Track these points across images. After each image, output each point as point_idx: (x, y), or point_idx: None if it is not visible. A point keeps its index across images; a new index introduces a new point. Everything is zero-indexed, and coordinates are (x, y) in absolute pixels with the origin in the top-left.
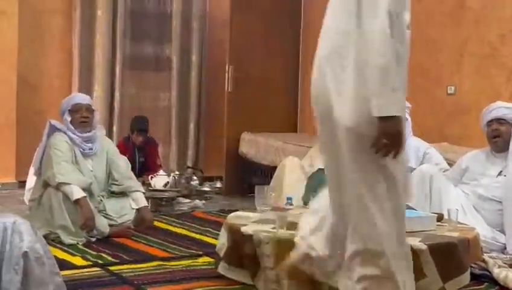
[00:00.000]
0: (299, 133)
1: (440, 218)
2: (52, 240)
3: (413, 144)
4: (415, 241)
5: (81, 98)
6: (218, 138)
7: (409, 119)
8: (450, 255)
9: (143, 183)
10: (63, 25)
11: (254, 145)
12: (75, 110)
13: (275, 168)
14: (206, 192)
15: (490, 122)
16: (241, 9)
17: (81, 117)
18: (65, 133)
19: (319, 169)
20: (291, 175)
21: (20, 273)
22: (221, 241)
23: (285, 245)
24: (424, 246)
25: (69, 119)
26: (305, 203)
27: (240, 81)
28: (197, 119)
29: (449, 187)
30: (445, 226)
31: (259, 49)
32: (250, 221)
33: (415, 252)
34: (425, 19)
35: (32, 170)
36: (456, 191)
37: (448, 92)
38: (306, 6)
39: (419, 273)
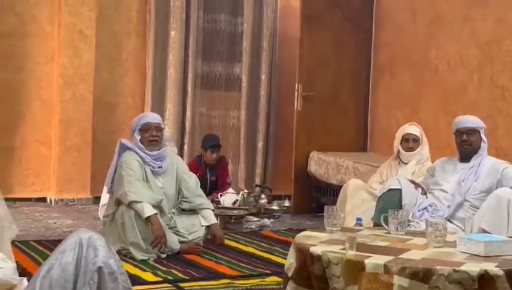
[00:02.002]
0: (368, 153)
1: None
2: (124, 255)
3: (489, 163)
4: (491, 267)
5: (151, 118)
6: (287, 157)
7: (485, 140)
8: None
9: (212, 201)
10: (137, 46)
11: (323, 164)
12: (144, 129)
13: None
14: (274, 210)
15: None
16: (311, 27)
17: (150, 136)
18: (135, 151)
19: (390, 190)
20: (354, 197)
21: (94, 288)
22: (290, 261)
23: (354, 267)
24: (500, 272)
25: (138, 138)
26: (376, 224)
27: (309, 99)
28: (266, 137)
29: None
30: None
31: (329, 67)
32: (319, 241)
33: (491, 278)
34: (502, 37)
35: (105, 188)
36: None
37: None
38: (377, 25)
39: None
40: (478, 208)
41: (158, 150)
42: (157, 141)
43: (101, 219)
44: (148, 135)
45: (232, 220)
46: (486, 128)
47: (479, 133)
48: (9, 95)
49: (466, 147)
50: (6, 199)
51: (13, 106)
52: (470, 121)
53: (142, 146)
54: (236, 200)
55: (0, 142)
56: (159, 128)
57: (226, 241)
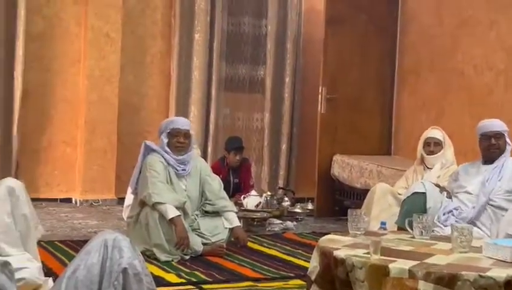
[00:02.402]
0: (392, 156)
1: None
2: (148, 256)
3: (509, 166)
4: None
5: (181, 123)
6: (310, 160)
7: (510, 143)
8: None
9: (235, 203)
10: (162, 48)
11: (346, 168)
12: (173, 134)
13: (367, 191)
14: (297, 213)
15: None
16: (335, 30)
17: (178, 142)
18: (160, 153)
19: (415, 193)
20: (381, 201)
21: (119, 289)
22: (313, 264)
23: (379, 271)
24: None
25: (165, 141)
26: (400, 228)
27: (333, 102)
28: (290, 140)
29: None
30: None
31: (353, 70)
32: (342, 245)
33: None
34: None
35: (130, 189)
36: None
37: None
38: (402, 28)
39: None
40: (503, 209)
41: (184, 154)
42: (184, 147)
43: (125, 219)
44: (176, 140)
45: (255, 223)
46: (509, 132)
47: (505, 137)
48: (36, 97)
49: (494, 151)
50: (33, 199)
51: (40, 107)
52: (497, 124)
53: (168, 149)
54: (259, 202)
55: (28, 143)
56: (187, 135)
57: (249, 244)
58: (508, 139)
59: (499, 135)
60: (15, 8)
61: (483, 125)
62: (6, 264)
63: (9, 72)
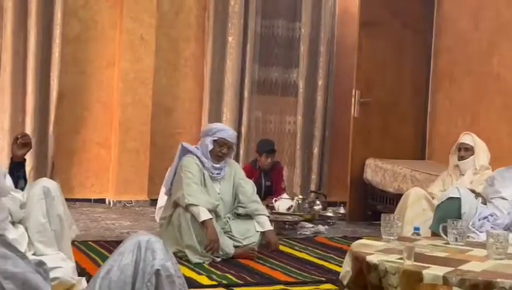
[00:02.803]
0: (426, 161)
1: None
2: (179, 258)
3: None
4: None
5: (230, 135)
6: (343, 163)
7: None
8: None
9: (267, 206)
10: (195, 51)
11: (379, 172)
12: (219, 143)
13: (400, 195)
14: (329, 217)
15: None
16: (369, 33)
17: (221, 152)
18: (196, 155)
19: (449, 198)
20: (415, 206)
21: None
22: (345, 269)
23: (412, 277)
24: None
25: (210, 147)
26: (434, 233)
27: (367, 106)
28: (322, 143)
29: None
30: None
31: (388, 74)
32: (375, 250)
33: None
34: None
35: (163, 190)
36: None
37: None
38: (438, 32)
39: None
40: None
41: (221, 163)
42: (224, 157)
43: (158, 221)
44: (220, 150)
45: (287, 226)
46: None
47: None
48: (71, 98)
49: None
50: (67, 200)
51: (75, 109)
52: None
53: (208, 155)
54: (291, 206)
55: (63, 144)
56: (231, 147)
57: (280, 247)
58: None
59: None
60: (52, 11)
61: None
62: (42, 263)
63: (46, 73)
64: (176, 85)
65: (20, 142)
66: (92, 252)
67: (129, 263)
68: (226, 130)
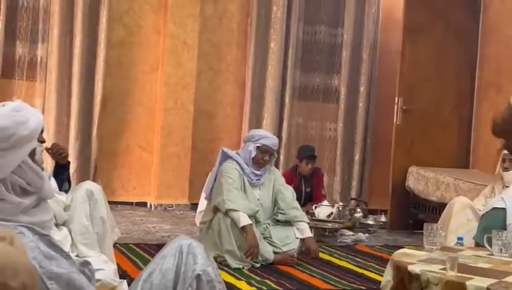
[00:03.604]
0: (470, 170)
1: None
2: (219, 263)
3: None
4: None
5: (273, 143)
6: (384, 171)
7: None
8: None
9: (307, 213)
10: (237, 56)
11: (422, 180)
12: (262, 150)
13: (443, 204)
14: (369, 225)
15: None
16: (413, 40)
17: (263, 160)
18: (237, 161)
19: (494, 208)
20: (460, 215)
21: None
22: (387, 278)
23: (455, 288)
24: None
25: (253, 154)
26: (477, 244)
27: (409, 113)
28: (363, 150)
29: None
30: None
31: (431, 81)
32: (417, 259)
33: None
34: None
35: (203, 195)
36: None
37: None
38: (483, 39)
39: None
40: None
41: (261, 170)
42: (266, 164)
43: (198, 225)
44: (262, 157)
45: (327, 233)
46: None
47: None
48: (115, 102)
49: None
50: (109, 202)
51: (119, 112)
52: None
53: (250, 161)
54: (331, 213)
55: (106, 146)
56: (273, 155)
57: (320, 255)
58: None
59: None
60: (97, 15)
61: None
62: (87, 263)
63: (90, 77)
64: (218, 90)
65: (53, 155)
66: (133, 254)
67: (170, 267)
68: (269, 137)
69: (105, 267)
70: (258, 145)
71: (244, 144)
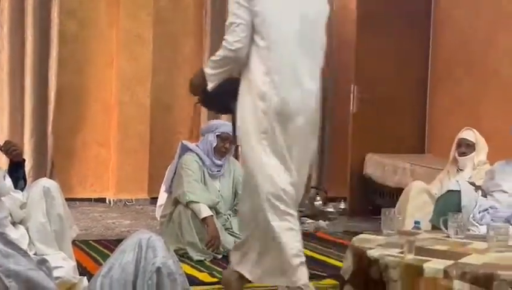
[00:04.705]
0: (426, 155)
1: None
2: (181, 255)
3: None
4: None
5: (230, 129)
6: (343, 159)
7: None
8: None
9: None
10: (194, 48)
11: (379, 167)
12: (223, 138)
13: (400, 189)
14: (329, 213)
15: None
16: (368, 28)
17: (224, 147)
18: (196, 153)
19: (449, 191)
20: (416, 199)
21: (153, 288)
22: (346, 264)
23: (413, 271)
24: None
25: (214, 143)
26: (434, 226)
27: (365, 101)
28: (321, 139)
29: None
30: None
31: (386, 69)
32: (376, 244)
33: None
34: None
35: (163, 188)
36: None
37: None
38: (436, 26)
39: None
40: None
41: (222, 159)
42: (227, 153)
43: (158, 219)
44: (223, 145)
45: None
46: None
47: None
48: (70, 98)
49: None
50: (67, 199)
51: (74, 108)
52: None
53: (211, 151)
54: None
55: (62, 143)
56: (233, 142)
57: None
58: None
59: None
60: (48, 10)
61: None
62: (44, 261)
63: (44, 73)
64: (175, 83)
65: (6, 153)
66: (93, 251)
67: (130, 261)
68: (227, 124)
69: (65, 264)
70: (217, 133)
71: (203, 137)
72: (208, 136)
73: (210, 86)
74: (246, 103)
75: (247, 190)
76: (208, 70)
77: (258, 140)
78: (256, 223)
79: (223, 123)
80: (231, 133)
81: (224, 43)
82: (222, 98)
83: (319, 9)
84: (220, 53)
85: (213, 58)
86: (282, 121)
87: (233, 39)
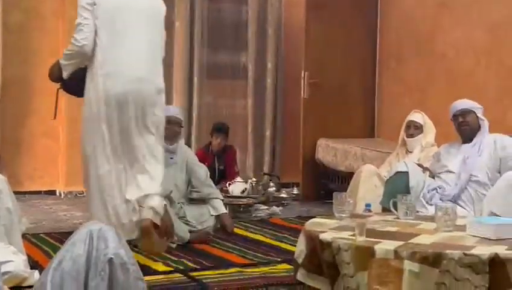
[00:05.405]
0: (376, 139)
1: None
2: (134, 246)
3: (491, 139)
4: (502, 250)
5: (176, 112)
6: (295, 145)
7: (484, 118)
8: None
9: (221, 190)
10: None
11: (331, 151)
12: (167, 121)
13: (352, 173)
14: (283, 198)
15: None
16: (317, 14)
17: (171, 130)
18: None
19: (397, 173)
20: (367, 183)
21: (105, 279)
22: (300, 248)
23: (364, 253)
24: (511, 255)
25: None
26: (384, 209)
27: (316, 87)
28: (273, 126)
29: None
30: None
31: (335, 54)
32: (328, 228)
33: (502, 261)
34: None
35: None
36: None
37: None
38: (383, 11)
39: (506, 282)
40: (485, 184)
41: (174, 144)
42: (176, 136)
43: None
44: (169, 128)
45: (241, 209)
46: (483, 109)
47: (475, 114)
48: (15, 89)
49: (464, 128)
50: (15, 193)
51: (20, 100)
52: (462, 103)
53: None
54: (245, 188)
55: (9, 136)
56: (180, 125)
57: (236, 230)
58: (480, 116)
59: (465, 113)
60: None
61: (452, 106)
62: None
63: None
64: None
65: None
66: (44, 244)
67: (81, 253)
68: (170, 108)
69: (15, 258)
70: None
71: None
72: None
73: (64, 74)
74: (89, 90)
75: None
76: (62, 62)
77: (96, 125)
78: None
79: (166, 108)
80: (176, 115)
81: (73, 40)
82: (78, 84)
83: (154, 5)
84: (70, 48)
85: (65, 51)
86: (118, 109)
87: (79, 37)
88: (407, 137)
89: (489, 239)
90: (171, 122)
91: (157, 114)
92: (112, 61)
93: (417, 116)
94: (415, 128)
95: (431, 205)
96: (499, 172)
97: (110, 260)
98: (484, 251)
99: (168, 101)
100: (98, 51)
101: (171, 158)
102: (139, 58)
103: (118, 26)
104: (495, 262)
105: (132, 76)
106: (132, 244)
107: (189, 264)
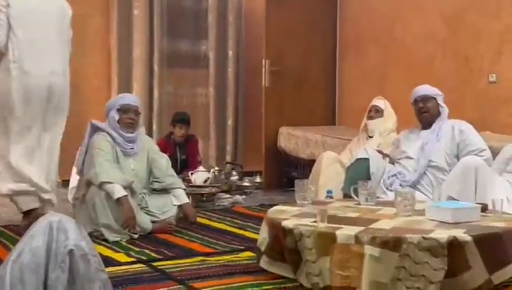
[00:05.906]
0: (337, 126)
1: (484, 209)
2: (96, 237)
3: (449, 125)
4: (460, 233)
5: (132, 100)
6: (257, 133)
7: (444, 105)
8: (496, 246)
9: (183, 180)
10: (101, 26)
11: (292, 139)
12: (123, 110)
13: (313, 161)
14: (246, 187)
15: None
16: (277, 3)
17: (129, 118)
18: (107, 132)
19: (358, 159)
20: (328, 169)
21: (66, 270)
22: (262, 236)
23: (326, 238)
24: (468, 238)
25: (116, 118)
26: (345, 195)
27: (277, 75)
28: (235, 114)
29: (494, 178)
30: (490, 217)
31: (296, 42)
32: (290, 215)
33: (460, 244)
34: (466, 9)
35: (75, 170)
36: (501, 181)
37: (490, 80)
38: (343, 1)
39: (464, 265)
40: (443, 170)
41: (133, 132)
42: (134, 124)
43: (71, 201)
44: (127, 116)
45: (204, 198)
46: (444, 97)
47: (436, 100)
48: None
49: (424, 114)
50: None
51: None
52: (424, 89)
53: (117, 126)
54: (208, 178)
55: None
56: (137, 112)
57: (198, 219)
58: (440, 102)
59: (426, 99)
60: None
61: (413, 91)
62: None
63: None
64: (83, 62)
65: None
66: (2, 237)
67: (41, 245)
68: (125, 96)
69: None
70: (117, 108)
71: (108, 115)
72: (110, 113)
73: None
74: (3, 84)
75: None
76: None
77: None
78: None
79: (120, 96)
80: (132, 103)
81: None
82: None
83: (61, 8)
84: None
85: None
86: (26, 101)
87: None
88: (368, 119)
89: (448, 223)
90: (125, 110)
91: (64, 106)
92: (27, 56)
93: (379, 102)
94: (375, 112)
95: (391, 190)
96: (457, 157)
97: (71, 252)
98: (442, 235)
99: (128, 90)
100: (13, 47)
101: (132, 148)
102: (50, 54)
103: (31, 26)
104: (453, 245)
105: (45, 70)
106: (94, 236)
107: (152, 254)
